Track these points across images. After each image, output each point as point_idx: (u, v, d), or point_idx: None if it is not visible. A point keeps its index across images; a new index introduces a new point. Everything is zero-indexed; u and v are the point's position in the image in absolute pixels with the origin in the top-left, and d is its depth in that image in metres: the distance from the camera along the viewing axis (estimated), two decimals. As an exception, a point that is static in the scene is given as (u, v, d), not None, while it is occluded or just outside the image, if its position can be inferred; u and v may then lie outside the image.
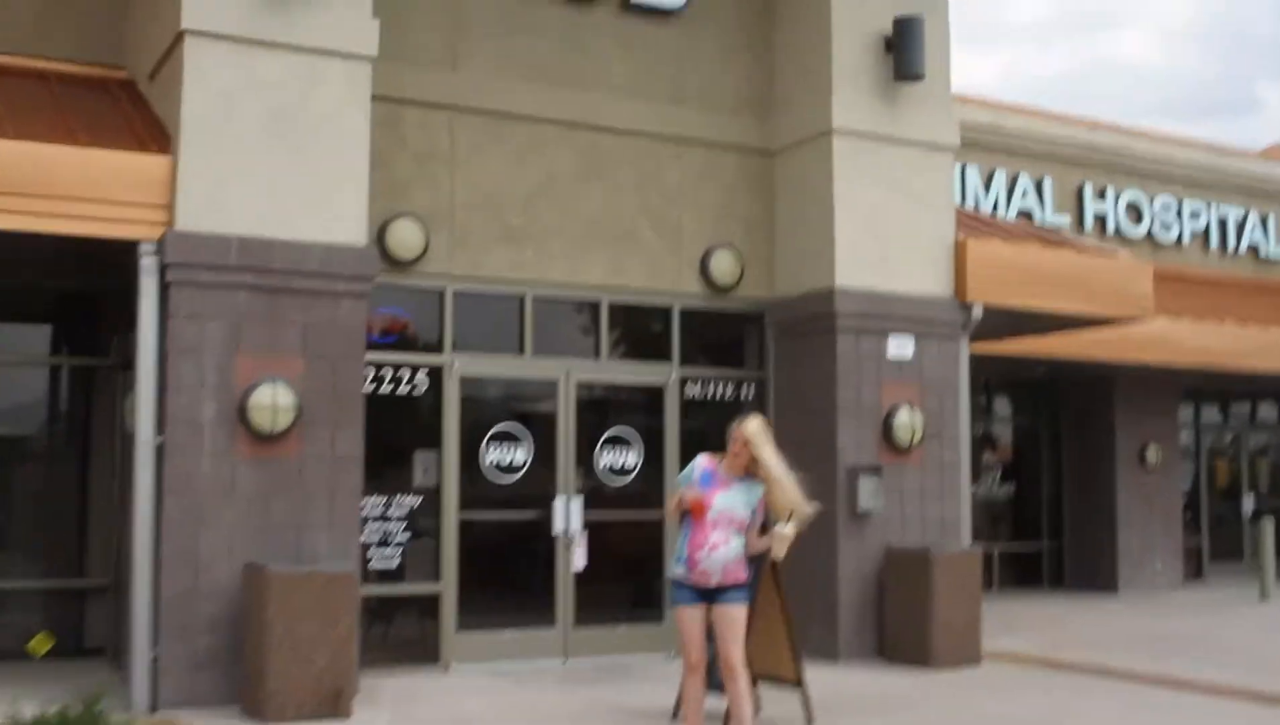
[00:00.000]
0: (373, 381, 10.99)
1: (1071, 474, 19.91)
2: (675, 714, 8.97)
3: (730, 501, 7.67)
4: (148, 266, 9.41)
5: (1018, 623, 14.48)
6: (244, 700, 9.16)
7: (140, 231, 9.42)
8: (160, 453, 9.37)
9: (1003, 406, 20.39)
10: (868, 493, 11.85)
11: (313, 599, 8.94)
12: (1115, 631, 14.28)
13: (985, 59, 55.52)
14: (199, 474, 9.38)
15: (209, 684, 9.29)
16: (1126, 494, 19.20)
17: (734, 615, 7.66)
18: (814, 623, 11.82)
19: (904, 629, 11.64)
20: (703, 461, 7.88)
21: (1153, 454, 19.27)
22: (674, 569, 7.81)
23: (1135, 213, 20.20)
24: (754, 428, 7.76)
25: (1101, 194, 19.84)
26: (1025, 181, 19.02)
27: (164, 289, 9.44)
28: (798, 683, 8.96)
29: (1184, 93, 59.12)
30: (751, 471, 7.77)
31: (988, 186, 18.68)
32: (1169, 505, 19.70)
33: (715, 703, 8.29)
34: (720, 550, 7.57)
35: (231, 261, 9.54)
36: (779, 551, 7.88)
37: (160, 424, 9.37)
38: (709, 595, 7.65)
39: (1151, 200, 20.35)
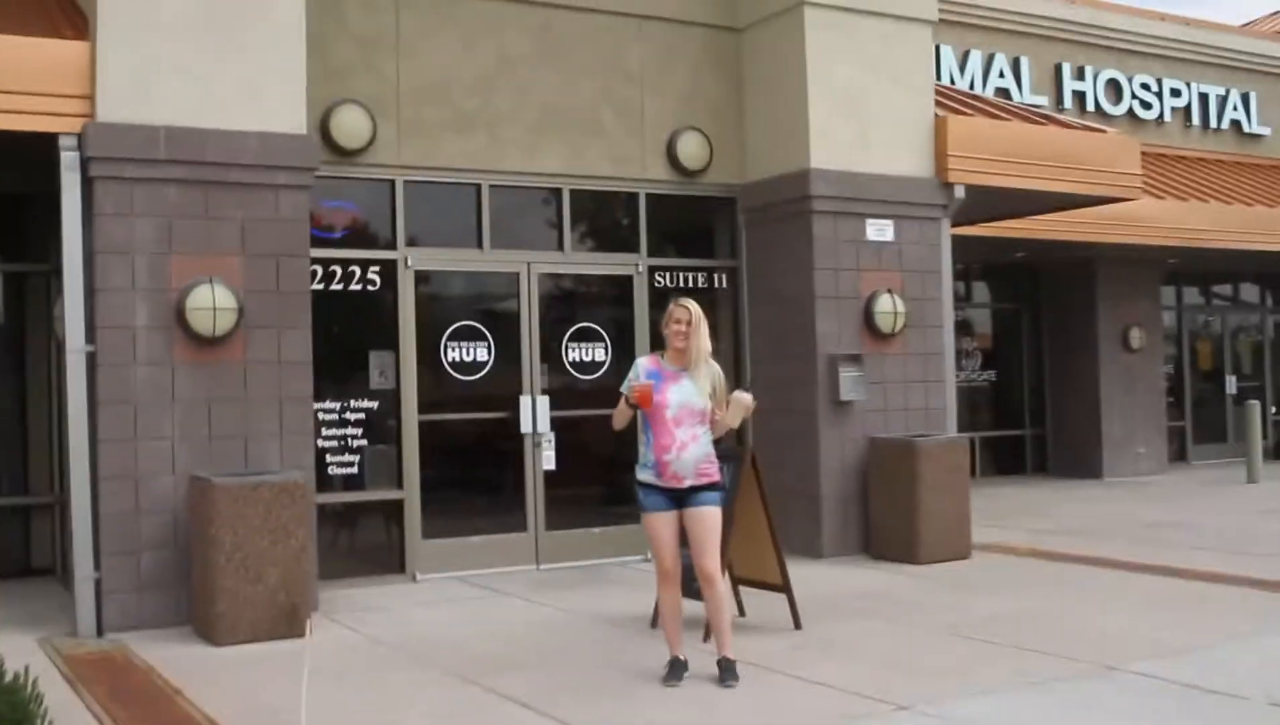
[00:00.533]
0: (322, 280, 10.34)
1: (1053, 359, 19.46)
2: (654, 623, 8.47)
3: (685, 394, 7.05)
4: (68, 161, 8.70)
5: (1003, 513, 14.06)
6: (195, 621, 8.64)
7: (58, 124, 8.69)
8: (92, 361, 8.73)
9: (980, 292, 19.85)
10: (849, 382, 11.31)
11: (262, 511, 8.37)
12: (1103, 519, 13.87)
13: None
14: (134, 383, 8.75)
15: (158, 605, 8.75)
16: (1109, 378, 18.76)
17: (709, 519, 7.06)
18: (796, 519, 11.35)
19: (890, 523, 11.17)
20: (644, 363, 7.28)
21: (1135, 337, 18.81)
22: (641, 473, 7.20)
23: (1115, 91, 19.59)
24: (694, 305, 7.16)
25: (1080, 73, 19.21)
26: (1001, 61, 18.36)
27: (87, 185, 8.74)
28: (783, 588, 8.45)
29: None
30: (692, 361, 7.17)
31: (963, 67, 18.01)
32: (1152, 389, 19.27)
33: (696, 608, 7.79)
34: (690, 449, 6.98)
35: (160, 154, 8.83)
36: (733, 420, 7.25)
37: (90, 331, 8.72)
38: (681, 498, 7.06)
39: (1130, 79, 19.74)
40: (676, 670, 7.04)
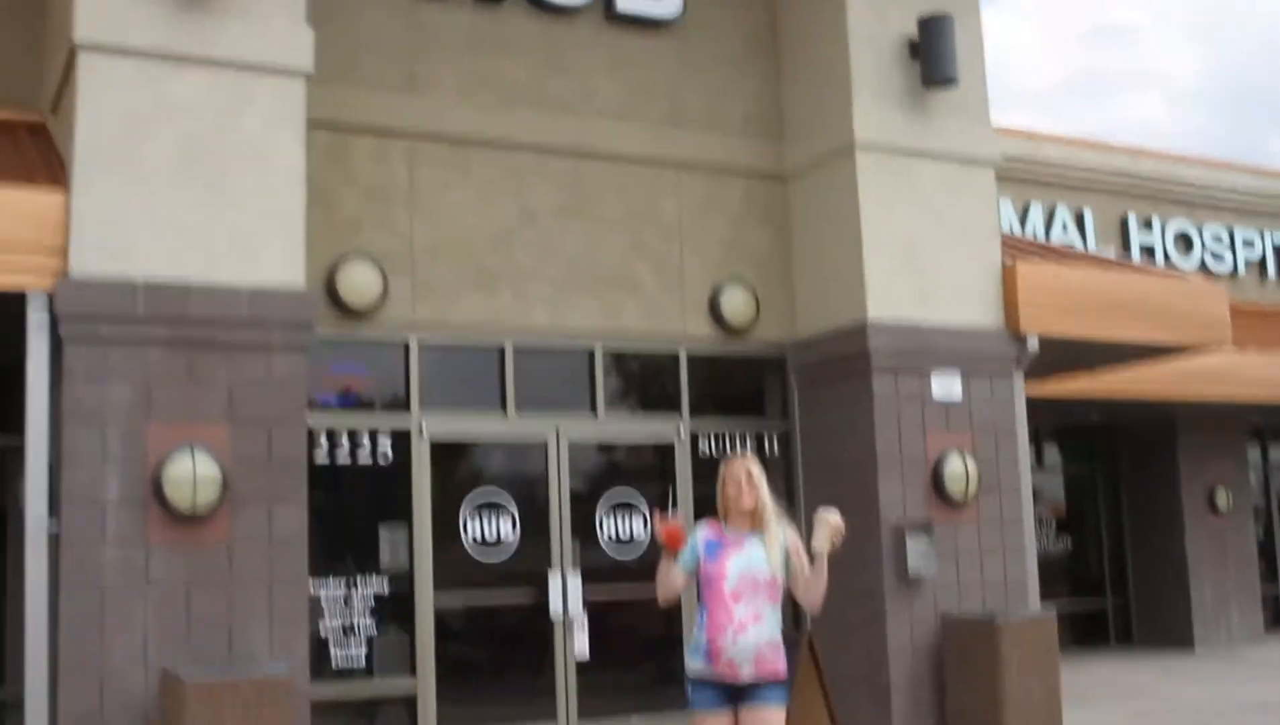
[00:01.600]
0: (328, 449, 9.40)
1: (1134, 523, 18.17)
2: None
3: (748, 562, 5.92)
4: (36, 322, 7.86)
5: (1092, 692, 12.62)
6: (165, 843, 7.48)
7: (27, 280, 7.86)
8: (55, 541, 7.74)
9: (1052, 455, 18.62)
10: (918, 554, 10.11)
11: (240, 712, 7.25)
12: (1206, 699, 12.42)
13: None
14: (102, 564, 7.74)
15: (124, 824, 7.62)
16: (1196, 542, 17.46)
17: (771, 718, 5.89)
18: (861, 707, 10.07)
19: (969, 710, 9.85)
20: (702, 532, 6.16)
21: (1222, 498, 17.57)
22: (691, 662, 6.03)
23: (1185, 242, 18.66)
24: (751, 459, 6.12)
25: (1148, 224, 18.31)
26: (1064, 213, 17.52)
27: (57, 347, 7.87)
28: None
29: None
30: (758, 523, 6.06)
31: (1023, 220, 17.18)
32: (1242, 552, 17.95)
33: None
34: (750, 631, 5.83)
35: (138, 312, 7.96)
36: (820, 542, 5.95)
37: (54, 505, 7.76)
38: (737, 694, 5.89)
39: (1200, 229, 18.79)
40: None
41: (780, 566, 5.92)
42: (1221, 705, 12.10)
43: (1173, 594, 17.46)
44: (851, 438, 10.50)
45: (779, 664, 5.89)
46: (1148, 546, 17.87)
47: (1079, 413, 16.38)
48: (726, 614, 5.82)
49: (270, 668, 7.61)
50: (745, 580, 5.86)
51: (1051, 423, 17.30)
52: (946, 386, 10.65)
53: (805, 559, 5.97)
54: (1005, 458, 10.90)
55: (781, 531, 5.99)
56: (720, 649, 5.82)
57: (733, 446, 10.89)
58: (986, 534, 10.70)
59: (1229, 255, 19.02)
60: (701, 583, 5.97)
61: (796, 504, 10.99)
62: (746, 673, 5.82)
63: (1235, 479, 17.93)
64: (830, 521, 5.92)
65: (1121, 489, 18.31)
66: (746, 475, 5.98)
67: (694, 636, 6.02)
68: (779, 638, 5.93)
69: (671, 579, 5.97)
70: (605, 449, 10.68)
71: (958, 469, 10.45)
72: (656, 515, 5.88)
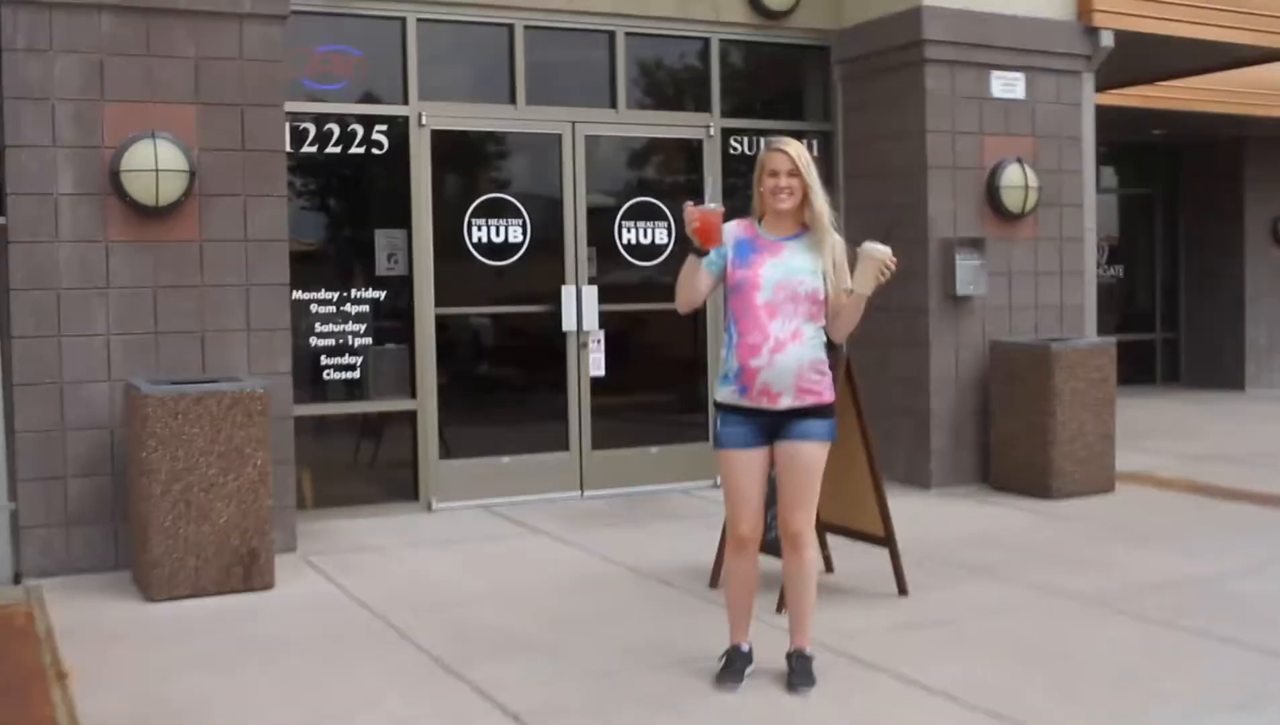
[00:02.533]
0: (315, 140, 8.41)
1: (1189, 254, 17.04)
2: (713, 582, 6.49)
3: (787, 270, 4.89)
4: (-35, -21, 6.78)
5: (1142, 431, 11.78)
6: (134, 566, 6.82)
7: (-46, -71, 6.75)
8: (3, 236, 6.85)
9: (1107, 175, 17.33)
10: (968, 272, 9.15)
11: (209, 430, 6.47)
12: (1265, 442, 11.62)
13: None
14: (57, 266, 6.86)
15: (90, 545, 6.95)
16: (1255, 276, 16.36)
17: (810, 460, 4.94)
18: (899, 441, 9.31)
19: (1016, 447, 9.06)
20: (732, 230, 5.04)
21: (1289, 230, 16.40)
22: (720, 390, 5.03)
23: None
24: (798, 147, 4.99)
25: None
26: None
27: (-9, 9, 6.82)
28: (885, 540, 6.42)
29: None
30: (805, 221, 5.04)
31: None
32: (1305, 290, 16.86)
33: (771, 564, 5.81)
34: (790, 351, 4.82)
35: (84, -32, 6.87)
36: (864, 285, 4.80)
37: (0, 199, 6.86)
38: (774, 426, 4.92)
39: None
40: (735, 667, 5.03)
41: (821, 277, 4.90)
42: (1272, 447, 11.30)
43: (1226, 330, 16.48)
44: (900, 141, 9.42)
45: (825, 390, 4.94)
46: (1203, 279, 16.80)
47: (1139, 127, 15.10)
48: (760, 331, 4.85)
49: (243, 382, 6.79)
50: (783, 291, 4.86)
51: (1105, 137, 15.99)
52: (1008, 85, 9.50)
53: (847, 277, 4.93)
54: (1069, 169, 9.83)
55: (830, 237, 4.97)
56: (754, 371, 4.85)
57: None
58: (1043, 253, 9.71)
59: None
60: (729, 293, 4.99)
61: (836, 214, 9.97)
62: (786, 400, 4.86)
63: (1304, 210, 16.77)
64: (877, 257, 4.78)
65: (1179, 215, 17.13)
66: (790, 168, 4.89)
67: (724, 361, 5.02)
68: (824, 358, 4.99)
69: (697, 281, 4.94)
70: (626, 147, 9.61)
71: (1016, 179, 9.39)
72: (688, 206, 4.83)
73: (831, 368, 5.08)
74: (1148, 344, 17.18)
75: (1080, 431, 8.90)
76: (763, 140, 9.53)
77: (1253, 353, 16.38)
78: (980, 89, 9.40)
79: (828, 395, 4.95)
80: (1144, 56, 10.67)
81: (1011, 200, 9.37)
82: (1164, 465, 10.17)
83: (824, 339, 5.00)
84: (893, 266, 4.82)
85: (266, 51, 7.32)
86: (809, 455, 4.93)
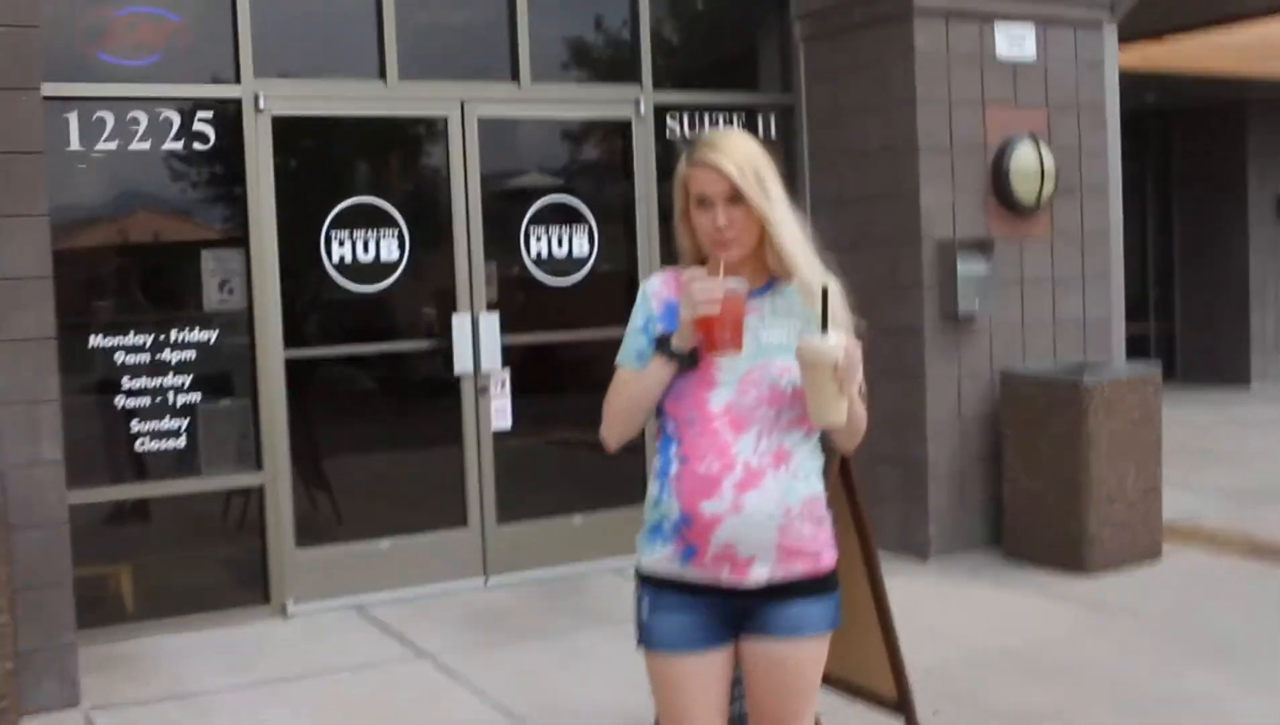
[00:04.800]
0: (114, 134, 6.27)
1: (1186, 233, 15.13)
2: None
3: (760, 346, 2.86)
4: None
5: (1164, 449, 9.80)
6: None
7: None
8: None
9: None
10: (973, 284, 7.16)
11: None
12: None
13: None
14: None
15: None
16: (1260, 258, 14.51)
17: (805, 665, 2.93)
18: (889, 499, 7.34)
19: (1037, 507, 7.09)
20: (658, 287, 3.00)
21: (1296, 206, 14.58)
22: (647, 551, 2.99)
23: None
24: (743, 152, 2.89)
25: None
26: None
27: None
28: (898, 705, 4.41)
29: None
30: (773, 267, 2.94)
31: None
32: (1316, 273, 15.04)
33: None
34: (769, 484, 2.83)
35: None
36: (827, 411, 2.77)
37: None
38: (741, 610, 2.90)
39: None
40: None
41: (820, 353, 2.75)
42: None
43: (1228, 319, 14.62)
44: (881, 115, 7.41)
45: (824, 548, 2.93)
46: (1202, 262, 14.93)
47: (1133, 91, 13.17)
48: (719, 454, 2.83)
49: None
50: (755, 386, 2.86)
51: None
52: (1016, 41, 7.52)
53: (857, 352, 2.79)
54: (1091, 146, 7.88)
55: (819, 285, 2.82)
56: (709, 525, 2.82)
57: (713, 127, 7.79)
58: (1062, 254, 7.74)
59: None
60: (663, 397, 2.98)
61: (800, 209, 7.96)
62: (762, 571, 2.83)
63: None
64: (824, 359, 2.71)
65: (1173, 190, 15.24)
66: (730, 186, 2.83)
67: (650, 498, 3.00)
68: (823, 495, 2.99)
69: (651, 396, 2.91)
70: (532, 133, 7.50)
71: (1029, 161, 7.43)
72: (691, 272, 2.79)
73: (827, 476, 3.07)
74: (1140, 338, 15.25)
75: (1120, 487, 6.94)
76: (707, 118, 7.58)
77: (1259, 345, 14.55)
78: (982, 46, 7.40)
79: (828, 557, 2.94)
80: (1173, 4, 8.73)
81: (1024, 189, 7.40)
82: (1206, 509, 8.25)
83: (822, 461, 3.00)
84: (856, 362, 2.78)
85: (13, 14, 5.21)
86: (803, 660, 2.92)
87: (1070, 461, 6.88)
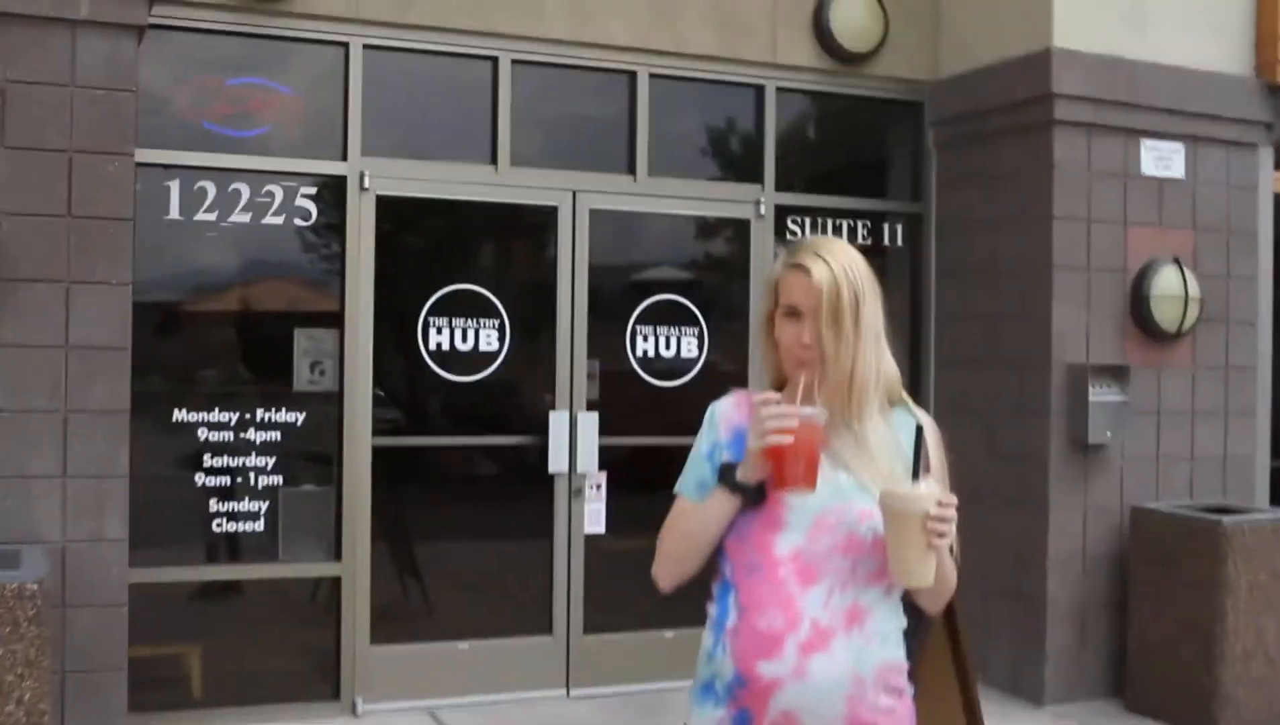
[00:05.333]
0: (215, 205, 6.15)
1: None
2: None
3: (837, 488, 2.50)
4: None
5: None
6: None
7: None
8: None
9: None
10: (1105, 412, 6.69)
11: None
12: None
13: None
14: None
15: None
16: None
17: None
18: (1000, 632, 6.85)
19: (1166, 658, 6.54)
20: (728, 408, 2.66)
21: None
22: (698, 713, 2.61)
23: None
24: (843, 260, 2.54)
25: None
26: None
27: None
28: None
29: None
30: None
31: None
32: None
33: None
34: (838, 647, 2.46)
35: None
36: (914, 573, 2.39)
37: None
38: None
39: None
40: None
41: (906, 501, 2.37)
42: None
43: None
44: (1015, 230, 7.02)
45: (902, 722, 2.56)
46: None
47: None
48: (783, 608, 2.47)
49: (33, 566, 4.51)
50: (829, 532, 2.49)
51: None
52: (1163, 158, 7.09)
53: (952, 515, 2.40)
54: (1240, 273, 7.38)
55: (901, 422, 2.59)
56: (769, 688, 2.46)
57: (837, 233, 7.44)
58: (1204, 386, 7.23)
59: None
60: (725, 535, 2.63)
61: (923, 324, 7.58)
62: (828, 744, 2.48)
63: None
64: (915, 511, 2.35)
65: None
66: (817, 303, 2.50)
67: (704, 650, 2.64)
68: (903, 662, 2.60)
69: (710, 535, 2.57)
70: (645, 227, 7.23)
71: (1172, 286, 6.96)
72: (767, 397, 2.45)
73: (914, 637, 2.69)
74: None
75: (1259, 642, 6.37)
76: (830, 223, 7.27)
77: None
78: (1126, 163, 6.99)
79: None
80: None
81: (1166, 314, 6.93)
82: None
83: (904, 623, 2.61)
84: (949, 516, 2.39)
85: (109, 76, 5.10)
86: None
87: (1205, 610, 6.33)
